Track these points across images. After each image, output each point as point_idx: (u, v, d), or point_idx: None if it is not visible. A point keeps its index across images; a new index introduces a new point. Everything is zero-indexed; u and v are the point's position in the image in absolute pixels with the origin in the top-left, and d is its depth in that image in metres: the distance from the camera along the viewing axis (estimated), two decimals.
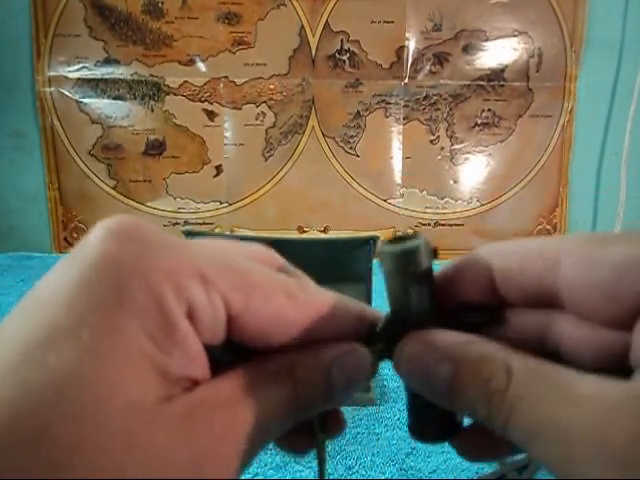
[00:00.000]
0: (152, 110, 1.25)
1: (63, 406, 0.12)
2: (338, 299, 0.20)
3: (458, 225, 1.32)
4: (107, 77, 1.24)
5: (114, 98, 1.25)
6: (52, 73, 1.23)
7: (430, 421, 0.20)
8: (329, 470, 0.54)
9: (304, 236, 1.29)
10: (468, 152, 1.29)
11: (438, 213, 1.31)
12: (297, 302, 0.18)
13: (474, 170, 1.30)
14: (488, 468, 0.54)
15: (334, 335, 0.19)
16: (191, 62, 1.24)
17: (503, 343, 0.17)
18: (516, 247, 0.18)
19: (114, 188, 1.28)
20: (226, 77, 1.25)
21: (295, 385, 0.17)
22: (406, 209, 1.31)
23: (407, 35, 1.24)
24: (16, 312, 0.14)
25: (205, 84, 1.25)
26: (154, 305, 0.14)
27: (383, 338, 0.20)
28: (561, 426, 0.14)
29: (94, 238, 0.15)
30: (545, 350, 0.19)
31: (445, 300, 0.20)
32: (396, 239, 0.20)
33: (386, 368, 0.71)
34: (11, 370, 0.13)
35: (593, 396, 0.14)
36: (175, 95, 1.25)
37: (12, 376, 0.13)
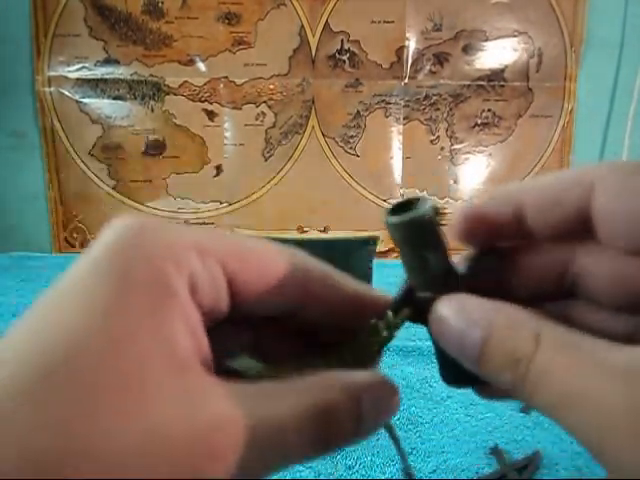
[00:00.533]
0: (152, 110, 1.25)
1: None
2: (336, 273, 0.20)
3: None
4: (107, 77, 1.24)
5: (114, 98, 1.25)
6: (52, 73, 1.23)
7: (458, 371, 0.19)
8: (329, 470, 0.54)
9: (304, 236, 1.29)
10: (468, 152, 1.29)
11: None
12: (287, 263, 0.18)
13: (474, 170, 1.30)
14: (488, 468, 0.54)
15: (333, 304, 0.20)
16: (191, 62, 1.24)
17: (534, 310, 0.17)
18: (551, 178, 0.18)
19: (114, 188, 1.28)
20: (226, 77, 1.25)
21: (325, 416, 0.17)
22: None
23: (407, 35, 1.24)
24: (30, 319, 0.15)
25: (205, 84, 1.25)
26: (157, 281, 0.16)
27: (405, 305, 0.20)
28: (593, 398, 0.14)
29: (102, 235, 0.17)
30: (563, 287, 0.19)
31: (472, 242, 0.20)
32: (401, 205, 0.20)
33: (386, 368, 0.71)
34: (28, 391, 0.13)
35: (626, 368, 0.14)
36: (175, 95, 1.25)
37: (29, 400, 0.13)
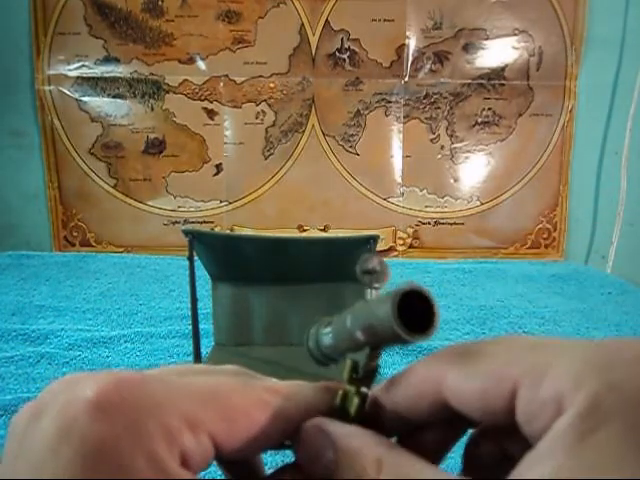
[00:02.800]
0: (152, 109, 1.25)
1: None
2: (297, 388, 0.22)
3: (458, 224, 1.32)
4: (107, 75, 1.24)
5: (114, 96, 1.25)
6: (52, 71, 1.23)
7: None
8: None
9: (304, 235, 1.28)
10: (468, 151, 1.29)
11: (438, 212, 1.31)
12: (273, 414, 0.20)
13: (474, 169, 1.30)
14: None
15: (308, 415, 0.21)
16: (191, 60, 1.24)
17: (382, 436, 0.19)
18: (407, 381, 0.20)
19: (114, 187, 1.28)
20: (226, 76, 1.25)
21: None
22: (406, 208, 1.31)
23: (407, 34, 1.24)
24: None
25: (205, 83, 1.25)
26: (153, 467, 0.16)
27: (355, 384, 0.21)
28: None
29: (81, 417, 0.15)
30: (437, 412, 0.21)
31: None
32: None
33: (386, 368, 0.70)
34: None
35: None
36: (175, 94, 1.25)
37: None
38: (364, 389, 0.21)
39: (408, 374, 0.20)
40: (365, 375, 0.21)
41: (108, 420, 0.15)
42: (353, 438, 0.19)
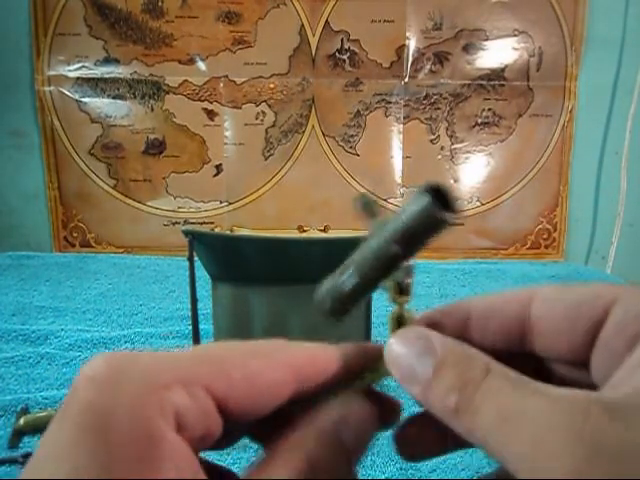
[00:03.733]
0: (152, 109, 1.25)
1: None
2: (318, 347, 0.21)
3: (458, 224, 1.32)
4: (107, 76, 1.24)
5: (114, 97, 1.25)
6: (52, 72, 1.23)
7: None
8: None
9: (304, 236, 1.28)
10: (468, 151, 1.29)
11: None
12: (272, 361, 0.19)
13: (474, 169, 1.30)
14: (488, 468, 0.54)
15: (322, 382, 0.20)
16: (191, 61, 1.24)
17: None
18: (497, 294, 0.20)
19: (114, 187, 1.28)
20: (226, 76, 1.25)
21: (311, 463, 0.18)
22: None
23: (407, 34, 1.24)
24: None
25: (205, 83, 1.25)
26: (140, 431, 0.16)
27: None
28: (531, 416, 0.15)
29: (78, 389, 0.16)
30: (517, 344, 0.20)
31: None
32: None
33: None
34: None
35: (563, 396, 0.15)
36: (175, 94, 1.25)
37: None
38: (412, 311, 0.20)
39: (498, 295, 0.19)
40: (406, 294, 0.20)
41: (96, 388, 0.16)
42: (460, 344, 0.18)
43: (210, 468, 0.20)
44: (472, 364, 0.17)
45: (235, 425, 0.19)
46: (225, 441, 0.19)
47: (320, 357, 0.20)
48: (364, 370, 0.21)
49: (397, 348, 0.19)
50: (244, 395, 0.18)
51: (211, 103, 1.26)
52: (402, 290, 0.20)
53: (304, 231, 1.31)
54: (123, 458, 0.15)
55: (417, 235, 0.18)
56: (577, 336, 0.17)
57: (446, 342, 0.18)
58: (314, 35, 1.24)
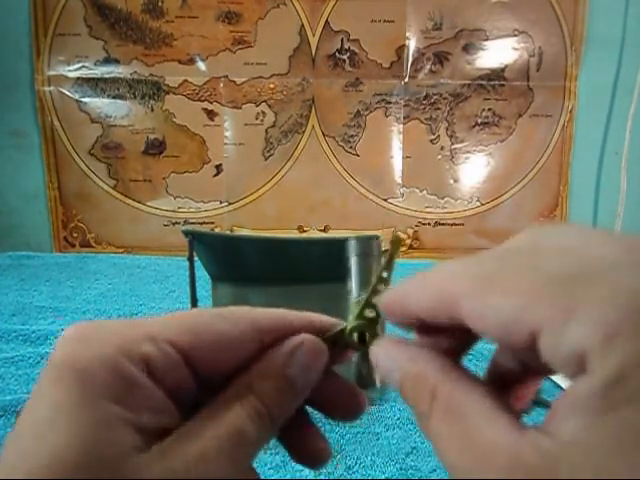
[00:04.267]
0: (152, 109, 1.25)
1: None
2: (282, 312, 0.22)
3: (458, 225, 1.32)
4: (107, 76, 1.24)
5: (114, 97, 1.25)
6: (52, 72, 1.23)
7: None
8: (329, 470, 0.54)
9: (304, 236, 1.28)
10: (468, 151, 1.29)
11: (438, 212, 1.31)
12: (236, 321, 0.21)
13: (474, 169, 1.30)
14: None
15: (285, 326, 0.22)
16: (191, 61, 1.24)
17: (444, 360, 0.18)
18: (421, 290, 0.19)
19: (114, 187, 1.28)
20: (226, 76, 1.25)
21: (259, 398, 0.20)
22: (406, 208, 1.31)
23: (407, 34, 1.24)
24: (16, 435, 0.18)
25: (205, 83, 1.25)
26: (114, 376, 0.18)
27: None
28: (460, 474, 0.16)
29: (56, 349, 0.19)
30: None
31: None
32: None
33: None
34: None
35: (487, 452, 0.15)
36: (175, 94, 1.25)
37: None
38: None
39: (420, 289, 0.19)
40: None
41: (72, 344, 0.18)
42: (413, 363, 0.19)
43: None
44: (420, 391, 0.18)
45: (208, 381, 0.20)
46: (203, 396, 0.20)
47: (280, 316, 0.22)
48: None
49: (376, 357, 0.21)
50: (209, 349, 0.20)
51: (211, 103, 1.26)
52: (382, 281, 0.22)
53: (304, 231, 1.31)
54: (97, 396, 0.17)
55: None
56: (515, 350, 0.17)
57: (403, 362, 0.19)
58: (314, 35, 1.24)
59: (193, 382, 0.20)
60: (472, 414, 0.16)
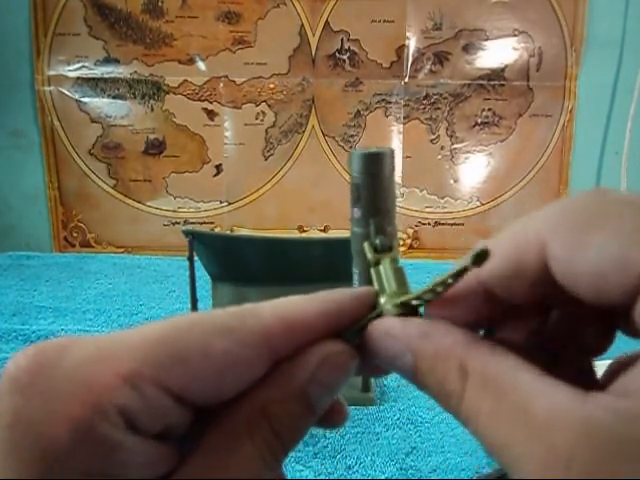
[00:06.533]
0: (152, 109, 1.25)
1: None
2: (293, 305, 0.18)
3: (458, 225, 1.32)
4: (107, 76, 1.24)
5: (114, 97, 1.25)
6: (52, 72, 1.23)
7: None
8: (329, 470, 0.54)
9: (304, 236, 1.28)
10: (468, 151, 1.29)
11: (438, 212, 1.31)
12: (240, 335, 0.16)
13: (474, 169, 1.30)
14: (488, 469, 0.54)
15: (298, 346, 0.17)
16: (191, 61, 1.24)
17: (465, 331, 0.16)
18: (504, 244, 0.17)
19: (114, 187, 1.28)
20: (226, 76, 1.25)
21: (273, 426, 0.16)
22: (406, 208, 1.31)
23: (407, 34, 1.24)
24: None
25: (205, 83, 1.25)
26: (87, 444, 0.14)
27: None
28: (514, 452, 0.14)
29: (2, 394, 0.14)
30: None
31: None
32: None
33: None
34: None
35: (548, 422, 0.13)
36: (175, 94, 1.25)
37: None
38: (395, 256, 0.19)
39: (498, 243, 0.16)
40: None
41: (24, 391, 0.14)
42: (429, 339, 0.16)
43: None
44: (447, 368, 0.15)
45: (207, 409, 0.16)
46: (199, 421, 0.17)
47: (297, 320, 0.17)
48: (351, 323, 0.18)
49: (374, 346, 0.17)
50: (209, 380, 0.16)
51: (211, 103, 1.26)
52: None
53: (304, 231, 1.31)
54: (67, 471, 0.13)
55: None
56: (609, 302, 0.14)
57: (414, 340, 0.16)
58: (314, 35, 1.24)
59: (185, 415, 0.16)
60: (519, 385, 0.14)
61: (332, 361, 0.17)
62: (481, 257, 0.16)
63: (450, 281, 0.17)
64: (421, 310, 0.18)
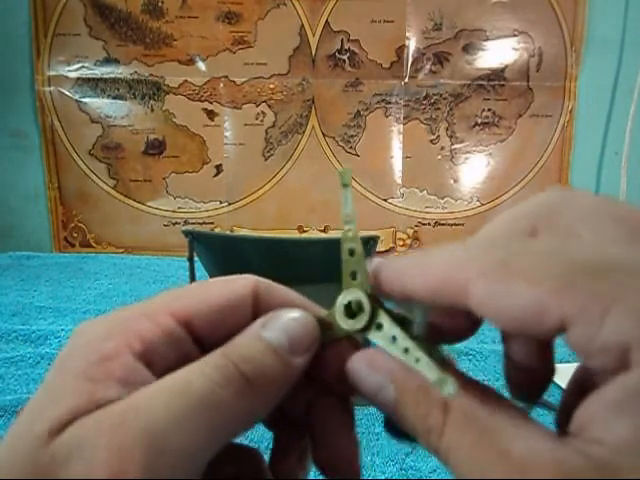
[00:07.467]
0: (152, 110, 1.25)
1: None
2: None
3: (458, 225, 1.32)
4: (107, 76, 1.24)
5: (114, 97, 1.25)
6: (52, 72, 1.23)
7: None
8: None
9: (304, 236, 1.28)
10: (468, 152, 1.29)
11: (438, 213, 1.31)
12: (230, 283, 0.20)
13: (474, 170, 1.30)
14: None
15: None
16: (191, 61, 1.24)
17: (445, 366, 0.17)
18: (426, 266, 0.17)
19: (114, 188, 1.28)
20: (226, 77, 1.25)
21: (228, 358, 0.17)
22: (406, 209, 1.31)
23: (407, 34, 1.24)
24: None
25: (205, 83, 1.25)
26: (94, 352, 0.17)
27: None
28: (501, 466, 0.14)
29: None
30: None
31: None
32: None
33: None
34: None
35: (525, 463, 0.14)
36: (175, 94, 1.25)
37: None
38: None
39: (426, 267, 0.17)
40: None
41: (71, 337, 0.19)
42: (412, 374, 0.17)
43: (233, 448, 0.20)
44: (430, 402, 0.16)
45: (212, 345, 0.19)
46: None
47: (280, 288, 0.21)
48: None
49: (357, 372, 0.18)
50: (206, 311, 0.19)
51: (211, 103, 1.26)
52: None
53: (304, 231, 1.31)
54: (71, 376, 0.17)
55: None
56: (533, 340, 0.16)
57: (398, 373, 0.17)
58: (314, 35, 1.24)
59: (193, 346, 0.19)
60: (498, 423, 0.15)
61: (291, 313, 0.19)
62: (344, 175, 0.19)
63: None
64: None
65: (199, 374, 0.16)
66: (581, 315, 0.13)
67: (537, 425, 0.15)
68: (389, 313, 0.19)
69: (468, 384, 0.16)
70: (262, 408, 0.18)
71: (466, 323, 0.19)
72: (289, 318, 0.19)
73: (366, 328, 0.19)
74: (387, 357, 0.17)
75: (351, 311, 0.19)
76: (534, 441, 0.14)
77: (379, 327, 0.18)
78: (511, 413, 0.15)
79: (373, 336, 0.19)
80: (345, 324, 0.19)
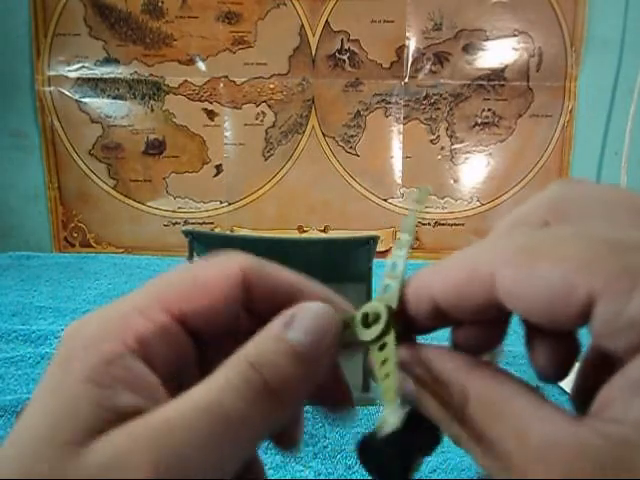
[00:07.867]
0: (152, 110, 1.25)
1: None
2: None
3: (458, 225, 1.32)
4: (107, 76, 1.24)
5: (114, 98, 1.25)
6: (52, 72, 1.23)
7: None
8: (329, 470, 0.54)
9: (304, 236, 1.28)
10: (468, 152, 1.29)
11: (438, 213, 1.31)
12: (221, 267, 0.20)
13: (474, 170, 1.30)
14: None
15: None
16: (191, 61, 1.24)
17: (465, 357, 0.17)
18: (454, 268, 0.18)
19: (114, 188, 1.28)
20: (226, 76, 1.25)
21: (252, 364, 0.17)
22: (406, 209, 1.31)
23: (407, 34, 1.24)
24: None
25: (205, 83, 1.25)
26: (95, 354, 0.17)
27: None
28: (513, 475, 0.14)
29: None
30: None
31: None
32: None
33: None
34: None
35: (546, 446, 0.14)
36: (175, 94, 1.25)
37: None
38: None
39: (449, 269, 0.17)
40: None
41: (64, 339, 0.18)
42: (432, 365, 0.17)
43: None
44: (448, 391, 0.16)
45: (210, 341, 0.19)
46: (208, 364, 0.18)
47: (274, 268, 0.21)
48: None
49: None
50: (198, 303, 0.19)
51: (211, 103, 1.26)
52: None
53: (304, 231, 1.31)
54: (77, 382, 0.16)
55: None
56: (559, 326, 0.15)
57: (420, 364, 0.17)
58: (314, 35, 1.24)
59: (189, 342, 0.19)
60: (516, 409, 0.15)
61: (314, 309, 0.18)
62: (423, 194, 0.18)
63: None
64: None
65: (229, 391, 0.16)
66: (609, 289, 0.13)
67: (555, 407, 0.15)
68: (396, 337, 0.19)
69: (485, 368, 0.16)
70: (287, 417, 0.18)
71: (493, 332, 0.19)
72: (315, 316, 0.18)
73: (372, 342, 0.19)
74: (407, 349, 0.18)
75: (367, 321, 0.19)
76: (552, 423, 0.14)
77: (382, 347, 0.18)
78: (528, 396, 0.15)
79: (373, 351, 0.19)
80: (360, 332, 0.19)
